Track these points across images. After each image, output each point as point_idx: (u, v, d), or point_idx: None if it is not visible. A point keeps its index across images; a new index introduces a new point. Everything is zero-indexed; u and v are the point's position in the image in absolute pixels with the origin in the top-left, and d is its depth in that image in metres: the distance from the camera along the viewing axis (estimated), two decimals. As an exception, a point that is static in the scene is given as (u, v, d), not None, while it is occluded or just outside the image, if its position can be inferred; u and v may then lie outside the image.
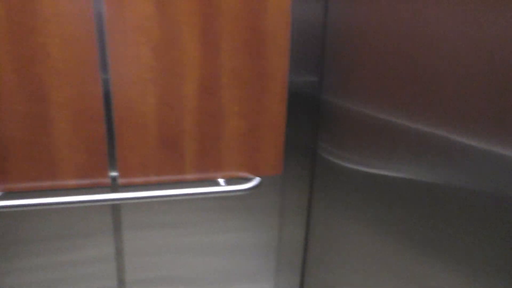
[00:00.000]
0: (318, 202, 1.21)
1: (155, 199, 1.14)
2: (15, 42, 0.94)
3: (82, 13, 0.95)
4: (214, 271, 1.28)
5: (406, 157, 0.80)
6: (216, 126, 1.12)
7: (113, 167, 1.09)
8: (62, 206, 1.09)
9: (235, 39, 1.05)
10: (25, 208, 1.06)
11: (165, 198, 1.13)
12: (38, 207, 1.08)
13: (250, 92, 1.11)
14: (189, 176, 1.15)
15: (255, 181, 1.20)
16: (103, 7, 0.95)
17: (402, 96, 0.80)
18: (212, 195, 1.18)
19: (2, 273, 1.11)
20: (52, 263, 1.13)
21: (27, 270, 1.12)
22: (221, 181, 1.18)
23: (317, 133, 1.18)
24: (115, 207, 1.14)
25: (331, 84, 1.08)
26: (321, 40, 1.07)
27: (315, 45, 1.08)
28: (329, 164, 1.14)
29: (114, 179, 1.10)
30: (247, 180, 1.20)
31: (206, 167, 1.15)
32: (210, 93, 1.08)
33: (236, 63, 1.07)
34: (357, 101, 0.96)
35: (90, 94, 1.01)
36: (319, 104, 1.14)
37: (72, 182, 1.08)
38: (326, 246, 1.19)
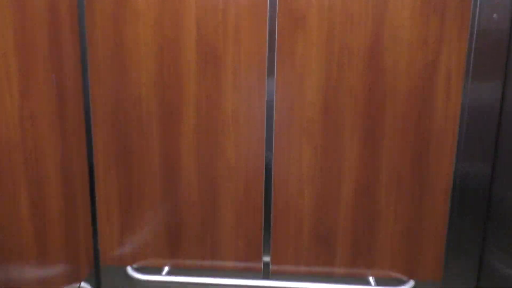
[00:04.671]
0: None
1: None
2: (200, 154, 1.08)
3: (255, 118, 1.05)
4: None
5: None
6: (370, 226, 1.09)
7: (266, 254, 1.14)
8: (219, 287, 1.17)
9: (397, 141, 1.03)
10: (187, 286, 1.18)
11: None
12: (198, 287, 1.18)
13: (409, 194, 1.06)
14: (338, 271, 1.13)
15: (409, 284, 1.11)
16: (273, 112, 1.05)
17: None
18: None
19: None
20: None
21: None
22: (371, 280, 1.13)
23: (485, 235, 1.05)
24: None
25: (505, 175, 0.97)
26: (496, 123, 0.97)
27: (489, 129, 0.98)
28: (498, 273, 1.00)
29: (266, 264, 1.15)
30: (400, 282, 1.12)
31: (357, 264, 1.12)
32: (366, 193, 1.07)
33: (397, 164, 1.04)
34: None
35: (254, 189, 1.10)
36: (489, 200, 1.02)
37: (229, 264, 1.17)
38: None
